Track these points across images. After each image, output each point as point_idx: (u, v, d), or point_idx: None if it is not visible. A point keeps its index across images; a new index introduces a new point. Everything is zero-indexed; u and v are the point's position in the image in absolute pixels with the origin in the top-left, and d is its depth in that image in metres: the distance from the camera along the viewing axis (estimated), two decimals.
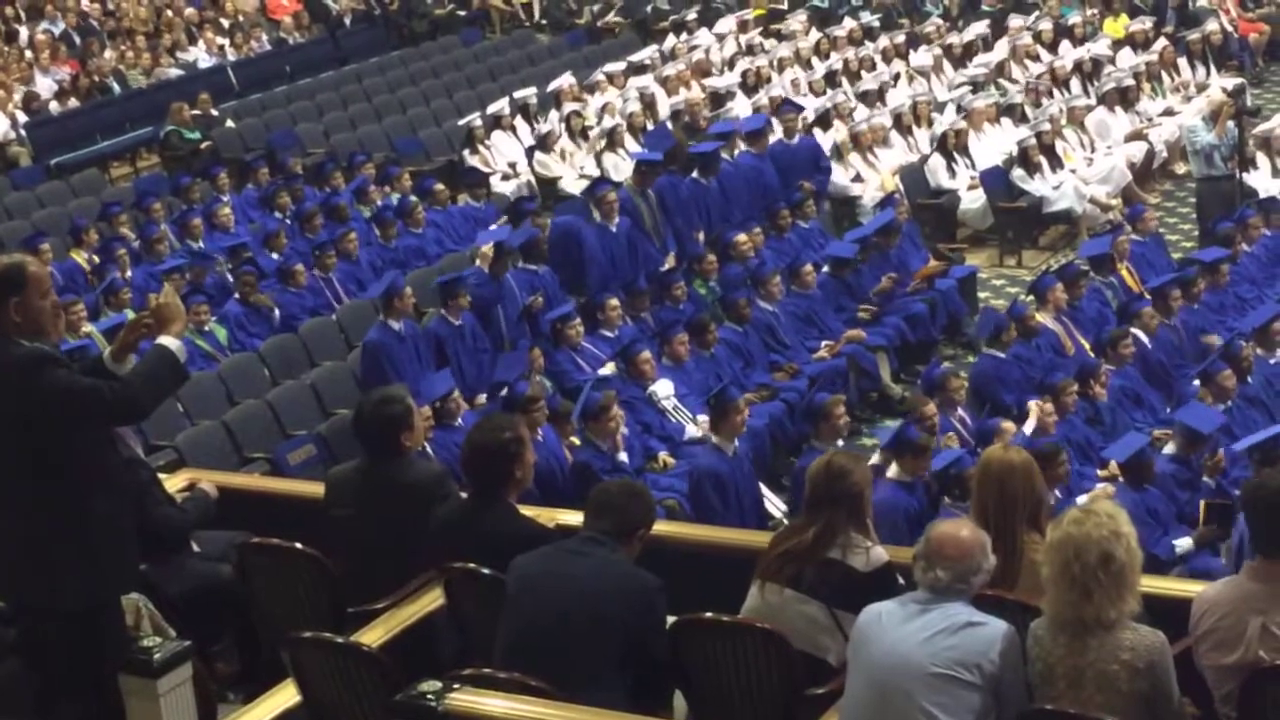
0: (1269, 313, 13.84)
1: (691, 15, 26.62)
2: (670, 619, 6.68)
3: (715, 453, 11.74)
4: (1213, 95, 18.13)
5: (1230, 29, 23.52)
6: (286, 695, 6.94)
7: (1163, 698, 5.80)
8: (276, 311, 15.49)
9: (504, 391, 12.50)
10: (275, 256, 16.77)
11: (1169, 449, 11.66)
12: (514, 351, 13.87)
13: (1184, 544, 10.84)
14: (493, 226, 16.90)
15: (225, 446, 13.09)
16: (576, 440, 12.31)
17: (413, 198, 18.31)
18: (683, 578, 6.84)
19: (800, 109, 19.51)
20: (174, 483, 9.05)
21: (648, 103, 21.19)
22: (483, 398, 13.55)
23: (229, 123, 23.44)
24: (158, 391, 6.51)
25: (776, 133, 18.86)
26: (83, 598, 6.51)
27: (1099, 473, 11.71)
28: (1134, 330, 13.75)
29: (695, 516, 11.43)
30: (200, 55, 27.35)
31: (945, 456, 11.38)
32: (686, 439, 13.10)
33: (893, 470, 11.09)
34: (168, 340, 6.41)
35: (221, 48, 27.62)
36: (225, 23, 28.71)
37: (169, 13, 28.61)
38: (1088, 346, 14.06)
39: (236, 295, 15.55)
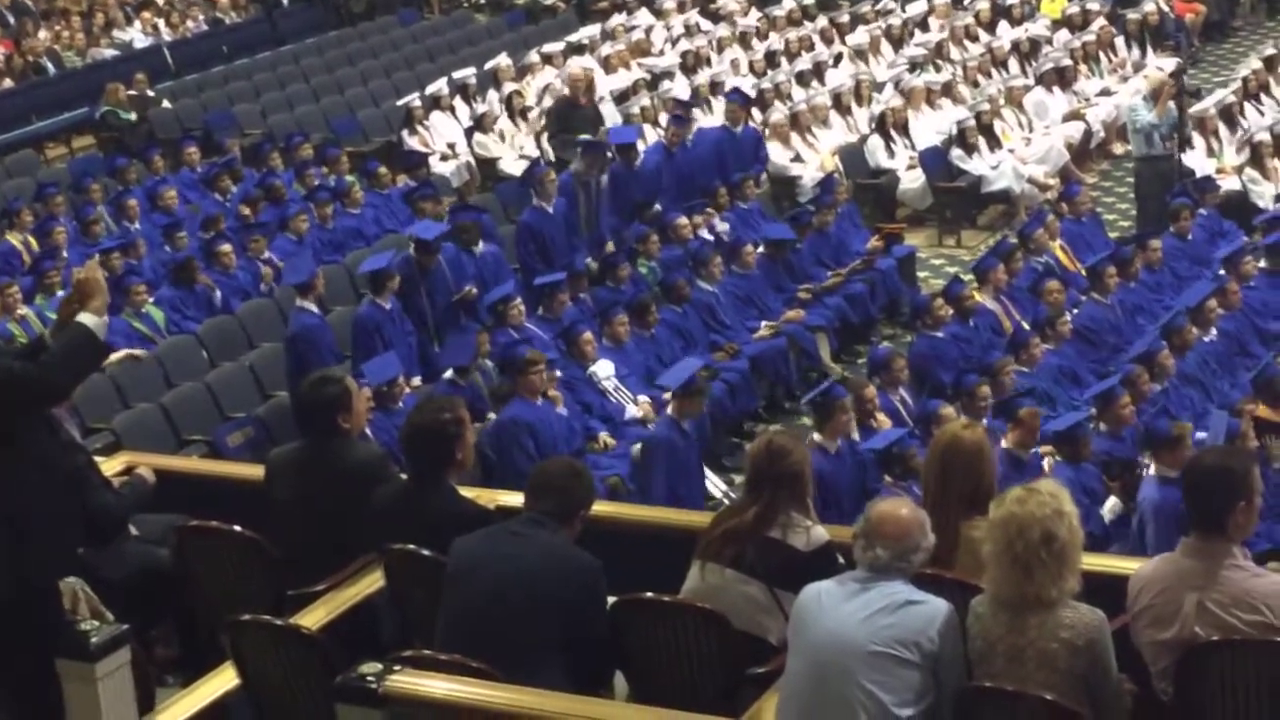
0: (1204, 290, 13.93)
1: None
2: (611, 599, 6.68)
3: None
4: (1153, 75, 18.20)
5: (1167, 9, 23.63)
6: (226, 678, 6.91)
7: (1101, 675, 5.84)
8: (218, 293, 15.39)
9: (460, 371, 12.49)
10: (206, 237, 16.63)
11: (1102, 426, 11.74)
12: (460, 336, 13.82)
13: (1111, 505, 10.98)
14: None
15: (163, 429, 13.03)
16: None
17: (349, 178, 18.23)
18: (623, 558, 6.83)
19: (747, 98, 19.51)
20: (111, 466, 8.98)
21: (586, 83, 21.10)
22: (417, 380, 13.52)
23: (165, 103, 23.27)
24: (76, 369, 6.45)
25: (717, 118, 18.89)
26: (17, 585, 6.45)
27: (1040, 449, 11.76)
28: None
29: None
30: (136, 35, 27.17)
31: (887, 435, 11.45)
32: (627, 419, 13.11)
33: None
34: (87, 317, 6.34)
35: (157, 27, 27.41)
36: (161, 2, 28.49)
37: None
38: (1026, 325, 14.13)
39: (171, 278, 15.47)
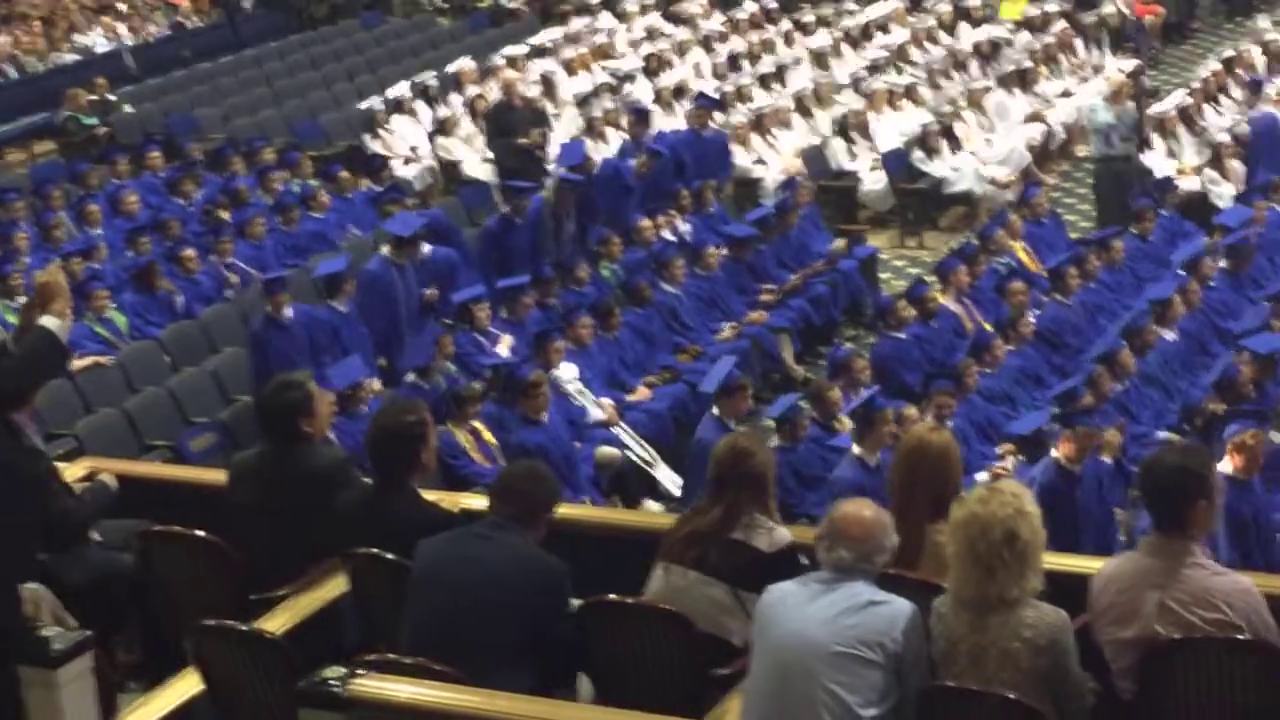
0: (1171, 286, 14.00)
1: None
2: (575, 602, 6.69)
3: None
4: (1114, 76, 18.29)
5: (1126, 11, 23.75)
6: (189, 684, 6.89)
7: (1063, 674, 5.86)
8: (180, 298, 15.34)
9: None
10: (168, 243, 16.57)
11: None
12: (420, 337, 13.81)
13: None
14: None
15: (126, 434, 12.99)
16: (480, 425, 12.31)
17: (313, 182, 18.20)
18: (587, 560, 6.84)
19: (714, 103, 19.54)
20: (73, 471, 8.95)
21: (546, 86, 21.13)
22: (377, 384, 13.49)
23: (127, 108, 23.18)
24: (38, 372, 6.43)
25: (679, 121, 18.93)
26: None
27: (997, 450, 11.81)
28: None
29: None
30: (97, 40, 27.06)
31: (850, 436, 11.48)
32: (590, 422, 13.11)
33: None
34: (49, 320, 6.32)
35: (118, 32, 27.32)
36: (122, 7, 28.39)
37: None
38: (988, 327, 14.18)
39: (133, 284, 15.41)
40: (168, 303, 15.29)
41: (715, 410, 11.98)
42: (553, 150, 18.63)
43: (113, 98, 23.20)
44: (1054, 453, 10.76)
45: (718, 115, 19.81)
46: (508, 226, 15.86)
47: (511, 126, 18.84)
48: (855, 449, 11.18)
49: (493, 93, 21.49)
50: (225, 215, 17.22)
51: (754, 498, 6.80)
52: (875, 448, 11.10)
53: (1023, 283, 14.33)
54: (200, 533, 7.72)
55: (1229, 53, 21.09)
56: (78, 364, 13.76)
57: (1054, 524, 8.64)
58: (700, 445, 11.58)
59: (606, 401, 13.20)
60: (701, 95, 19.84)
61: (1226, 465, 10.10)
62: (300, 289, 15.93)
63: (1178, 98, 19.46)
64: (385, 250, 14.72)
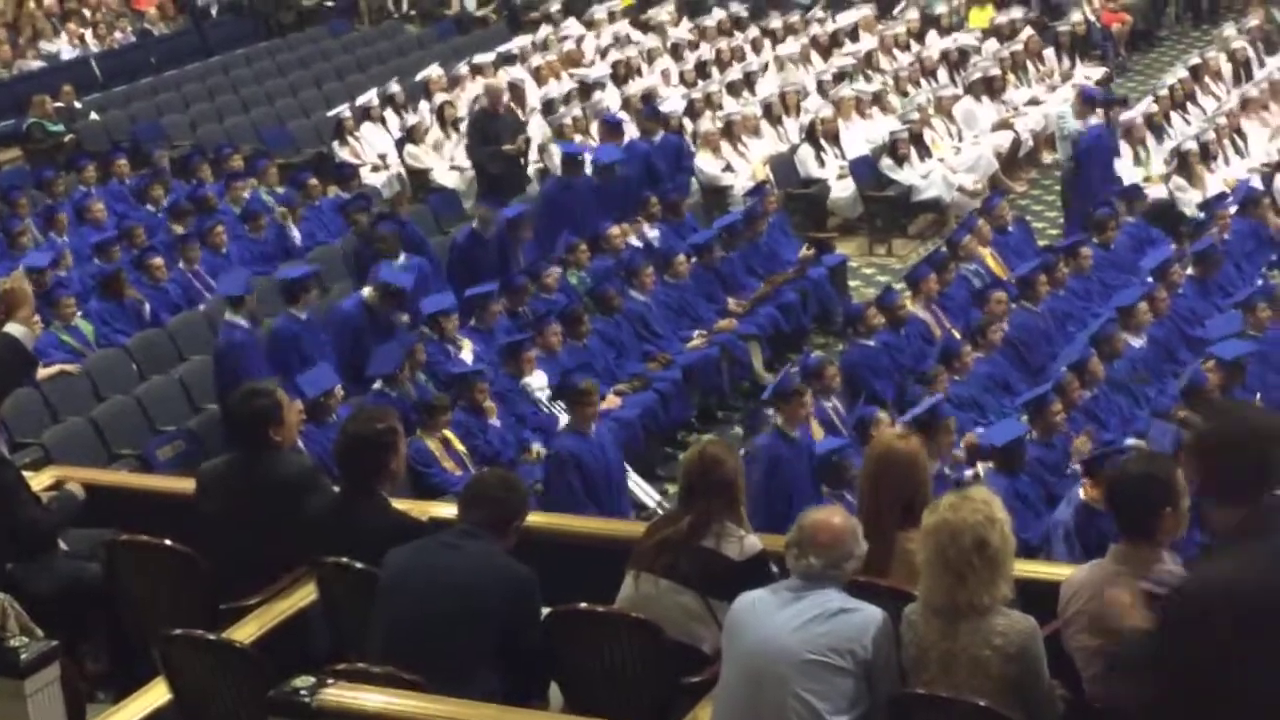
0: (1138, 293, 14.04)
1: (555, 6, 26.55)
2: (545, 610, 6.68)
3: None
4: (1081, 83, 18.35)
5: (1094, 19, 23.84)
6: (157, 694, 6.87)
7: (1033, 681, 5.87)
8: (147, 306, 15.28)
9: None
10: (135, 251, 16.50)
11: (1033, 434, 11.80)
12: (390, 344, 13.76)
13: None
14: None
15: (93, 443, 12.94)
16: (449, 434, 12.29)
17: (280, 190, 18.19)
18: (557, 569, 6.83)
19: (659, 114, 19.54)
20: (40, 480, 8.91)
21: (515, 94, 21.10)
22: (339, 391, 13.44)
23: (93, 115, 23.11)
24: (3, 380, 6.40)
25: (632, 131, 18.97)
26: None
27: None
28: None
29: None
30: (63, 47, 26.97)
31: (828, 444, 11.47)
32: (561, 430, 13.08)
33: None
34: (13, 327, 6.31)
35: (84, 39, 27.22)
36: (88, 14, 28.30)
37: (30, 4, 28.15)
38: (957, 334, 14.20)
39: (100, 292, 15.35)
40: (135, 311, 15.23)
41: (778, 419, 11.67)
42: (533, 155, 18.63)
43: (79, 105, 23.12)
44: (1081, 494, 10.48)
45: (686, 122, 19.85)
46: (476, 242, 15.81)
47: (496, 134, 18.85)
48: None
49: (461, 100, 21.51)
50: (179, 228, 17.12)
51: (725, 505, 6.80)
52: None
53: (1002, 292, 14.27)
54: (168, 542, 7.70)
55: (1195, 60, 21.18)
56: (44, 372, 13.70)
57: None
58: (761, 456, 11.37)
59: None
60: (647, 105, 19.85)
61: (1082, 495, 10.34)
62: (267, 296, 15.93)
63: (1145, 105, 19.54)
64: (367, 293, 14.37)
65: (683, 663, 6.62)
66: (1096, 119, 17.97)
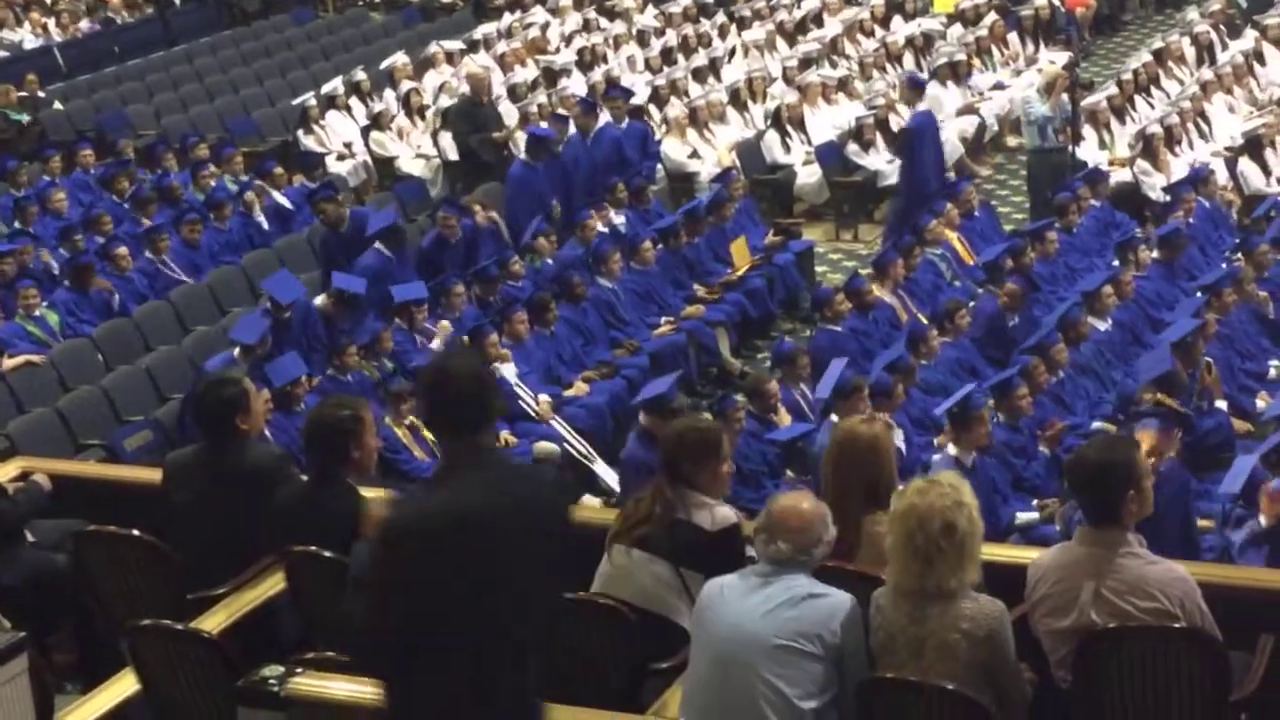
0: (1100, 278, 14.08)
1: None
2: None
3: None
4: (1047, 68, 18.37)
5: (1058, 4, 23.88)
6: (126, 684, 6.85)
7: (1002, 665, 5.90)
8: (116, 296, 15.23)
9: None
10: (100, 240, 16.43)
11: (1000, 417, 11.83)
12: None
13: (1026, 518, 11.01)
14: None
15: (59, 434, 12.88)
16: (417, 420, 12.27)
17: (247, 180, 18.12)
18: None
19: (628, 94, 19.53)
20: (6, 471, 8.90)
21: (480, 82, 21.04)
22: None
23: (57, 105, 23.00)
24: None
25: (604, 116, 18.94)
26: None
27: (935, 441, 11.83)
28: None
29: None
30: (26, 36, 26.80)
31: (791, 430, 11.48)
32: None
33: None
34: None
35: (47, 28, 27.08)
36: (51, 2, 28.13)
37: None
38: (923, 319, 14.22)
39: (66, 282, 15.29)
40: (101, 301, 15.17)
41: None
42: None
43: (43, 94, 23.00)
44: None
45: (652, 109, 19.83)
46: (442, 245, 15.75)
47: (483, 122, 18.82)
48: (951, 449, 10.90)
49: (427, 87, 21.45)
50: (144, 218, 17.06)
51: (697, 475, 6.82)
52: (971, 447, 10.86)
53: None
54: (135, 532, 7.68)
55: (1159, 44, 21.24)
56: (9, 363, 13.67)
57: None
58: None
59: (544, 398, 13.18)
60: (614, 87, 19.82)
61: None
62: (235, 287, 15.92)
63: (1109, 90, 19.58)
64: (320, 301, 14.28)
65: (652, 648, 6.62)
66: (924, 104, 18.00)
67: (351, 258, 15.03)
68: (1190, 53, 21.19)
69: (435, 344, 13.67)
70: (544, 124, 18.92)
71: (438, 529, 4.96)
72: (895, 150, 18.24)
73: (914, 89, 18.44)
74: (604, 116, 18.88)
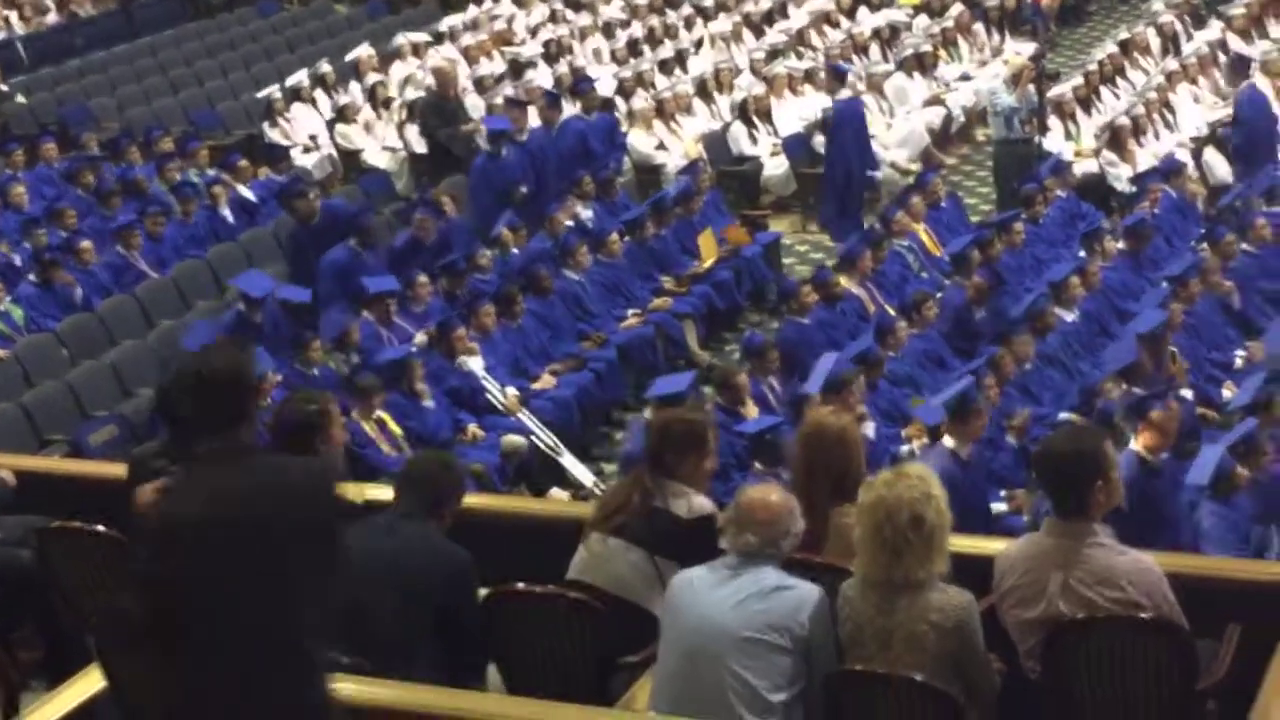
0: (1068, 269, 14.11)
1: None
2: (483, 591, 6.66)
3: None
4: (1014, 59, 18.40)
5: None
6: (91, 681, 6.80)
7: (970, 655, 5.90)
8: (79, 290, 15.15)
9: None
10: (63, 234, 16.33)
11: None
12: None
13: (994, 509, 11.02)
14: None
15: (23, 429, 12.82)
16: (386, 415, 12.24)
17: (213, 174, 18.06)
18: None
19: (592, 86, 19.48)
20: None
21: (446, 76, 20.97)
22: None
23: (19, 98, 22.88)
24: None
25: (574, 107, 18.92)
26: None
27: (903, 433, 11.85)
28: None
29: None
30: None
31: (759, 422, 11.48)
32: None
33: None
34: None
35: (9, 20, 26.93)
36: None
37: None
38: (891, 310, 14.24)
39: (31, 276, 15.21)
40: (65, 295, 15.10)
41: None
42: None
43: (5, 87, 22.88)
44: (1133, 444, 10.16)
45: (619, 101, 19.80)
46: (416, 246, 15.69)
47: (452, 114, 18.79)
48: (948, 441, 10.73)
49: (393, 80, 21.39)
50: (107, 211, 16.99)
51: (678, 465, 6.82)
52: (968, 440, 10.73)
53: (983, 279, 14.06)
54: (101, 528, 7.64)
55: (1124, 35, 21.28)
56: None
57: (1138, 525, 8.59)
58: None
59: (511, 391, 13.16)
60: (583, 79, 19.79)
61: (1135, 444, 10.14)
62: (200, 280, 15.86)
63: (1075, 80, 19.62)
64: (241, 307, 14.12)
65: (622, 641, 6.62)
66: (847, 92, 18.03)
67: (321, 251, 14.98)
68: (1155, 43, 21.24)
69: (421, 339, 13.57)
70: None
71: (195, 521, 4.80)
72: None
73: (835, 77, 18.46)
74: (569, 109, 18.86)
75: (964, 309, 14.01)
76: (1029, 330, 12.98)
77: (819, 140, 18.86)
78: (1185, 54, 20.36)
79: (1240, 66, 18.17)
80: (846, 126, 17.65)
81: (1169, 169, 16.70)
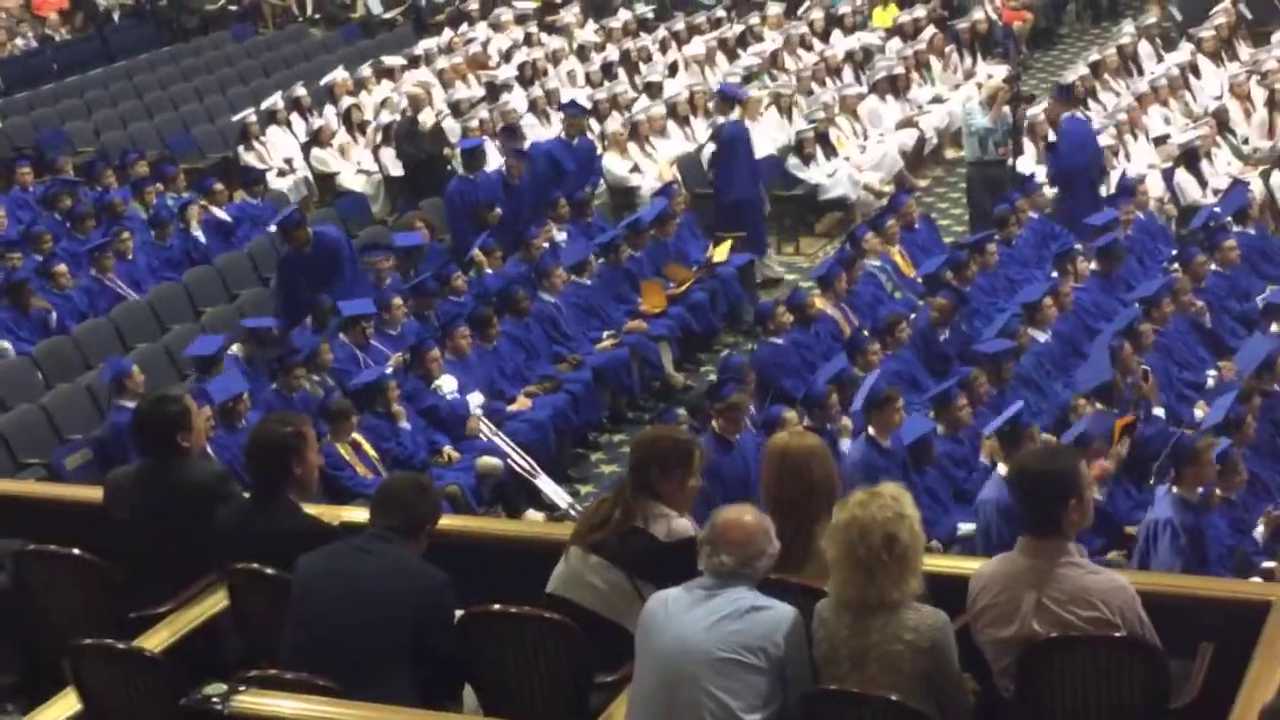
0: (1041, 289, 14.17)
1: (474, 5, 26.51)
2: (458, 613, 6.67)
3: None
4: (989, 82, 18.48)
5: (995, 17, 24.01)
6: (67, 704, 6.80)
7: (945, 675, 5.92)
8: (54, 315, 15.14)
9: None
10: (38, 258, 16.30)
11: (940, 428, 11.90)
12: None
13: (967, 528, 11.06)
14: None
15: None
16: (360, 437, 12.25)
17: (188, 196, 18.06)
18: (469, 571, 6.82)
19: (584, 109, 19.53)
20: None
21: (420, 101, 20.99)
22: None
23: None
24: None
25: (555, 129, 18.94)
26: None
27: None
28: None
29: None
30: None
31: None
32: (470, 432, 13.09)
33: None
34: None
35: None
36: None
37: None
38: (865, 332, 14.27)
39: (5, 300, 15.19)
40: (40, 319, 15.08)
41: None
42: None
43: None
44: (1174, 489, 10.23)
45: (593, 123, 19.84)
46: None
47: (426, 140, 18.84)
48: (1001, 468, 10.80)
49: (368, 103, 21.42)
50: (80, 235, 16.98)
51: (661, 485, 6.81)
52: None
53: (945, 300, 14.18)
54: (77, 551, 7.63)
55: (1095, 57, 21.38)
56: None
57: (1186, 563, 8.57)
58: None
59: (475, 411, 13.14)
60: (571, 103, 19.83)
61: (1175, 490, 10.17)
62: (176, 304, 15.85)
63: (1048, 103, 19.68)
64: (236, 348, 14.10)
65: (597, 662, 6.62)
66: (737, 113, 18.09)
67: (314, 277, 14.92)
68: (1133, 61, 21.35)
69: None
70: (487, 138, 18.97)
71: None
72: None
73: (724, 100, 18.52)
74: (544, 131, 18.90)
75: (928, 330, 14.05)
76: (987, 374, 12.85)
77: (793, 162, 18.96)
78: (1155, 76, 20.43)
79: (1061, 94, 18.30)
80: (735, 149, 17.64)
81: (1125, 188, 16.74)
